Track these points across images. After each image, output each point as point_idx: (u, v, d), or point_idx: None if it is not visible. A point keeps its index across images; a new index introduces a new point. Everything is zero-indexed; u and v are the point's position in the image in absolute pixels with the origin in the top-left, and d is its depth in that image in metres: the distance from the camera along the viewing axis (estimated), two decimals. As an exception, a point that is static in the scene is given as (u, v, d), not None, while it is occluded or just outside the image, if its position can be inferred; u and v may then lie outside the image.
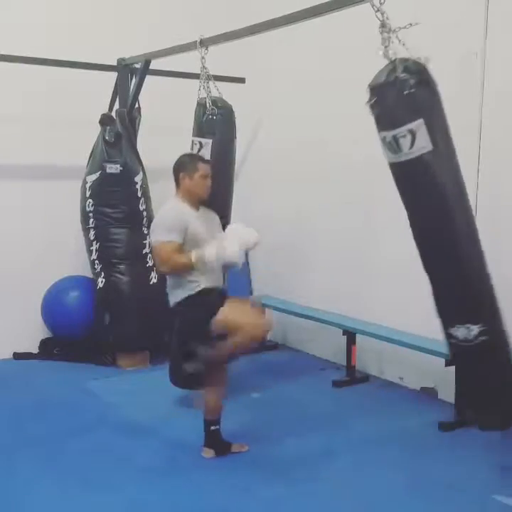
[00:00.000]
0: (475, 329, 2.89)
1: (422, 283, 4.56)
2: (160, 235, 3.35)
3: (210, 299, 3.37)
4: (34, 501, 3.15)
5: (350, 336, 4.83)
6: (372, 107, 2.82)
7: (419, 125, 2.74)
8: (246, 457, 3.55)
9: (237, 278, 5.86)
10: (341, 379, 4.88)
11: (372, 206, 4.88)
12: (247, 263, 6.27)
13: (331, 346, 5.32)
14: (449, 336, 2.97)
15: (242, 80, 5.77)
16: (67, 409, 4.33)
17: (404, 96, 2.74)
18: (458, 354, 3.02)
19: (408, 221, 3.05)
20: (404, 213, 4.61)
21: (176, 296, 3.43)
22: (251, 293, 6.20)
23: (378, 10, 2.74)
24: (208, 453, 3.54)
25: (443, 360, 4.08)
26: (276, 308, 5.62)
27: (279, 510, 3.10)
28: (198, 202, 3.51)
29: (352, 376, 4.88)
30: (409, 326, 4.48)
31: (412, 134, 2.74)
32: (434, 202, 2.95)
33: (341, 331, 4.86)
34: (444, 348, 4.11)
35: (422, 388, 4.65)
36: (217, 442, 3.55)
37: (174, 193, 3.54)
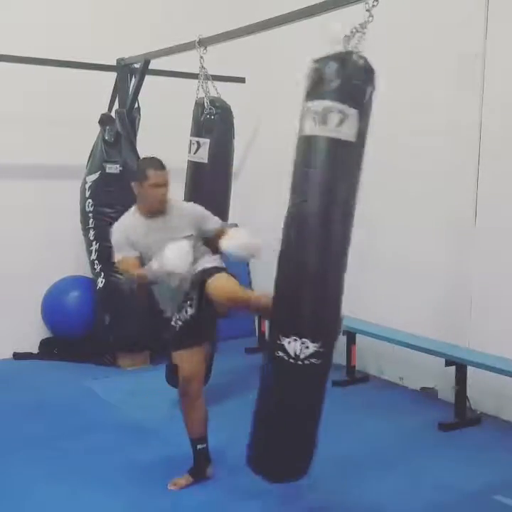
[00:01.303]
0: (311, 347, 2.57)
1: (422, 283, 4.58)
2: (116, 251, 3.19)
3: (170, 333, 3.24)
4: (34, 501, 3.14)
5: (350, 336, 4.83)
6: (321, 70, 2.73)
7: (354, 114, 2.62)
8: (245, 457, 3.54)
9: (237, 278, 5.87)
10: (341, 379, 4.88)
11: (372, 206, 4.86)
12: (247, 263, 6.27)
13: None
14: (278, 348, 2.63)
15: (242, 80, 5.77)
16: (67, 409, 4.33)
17: (353, 82, 2.62)
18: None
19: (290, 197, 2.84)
20: (404, 213, 4.64)
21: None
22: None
23: (368, 10, 2.72)
24: (178, 484, 3.26)
25: (443, 360, 4.08)
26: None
27: (279, 510, 3.10)
28: (155, 212, 3.19)
29: (352, 376, 4.88)
30: (409, 326, 4.48)
31: (344, 115, 2.62)
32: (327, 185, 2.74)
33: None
34: (444, 348, 4.15)
35: (422, 388, 4.65)
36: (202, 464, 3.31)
37: None
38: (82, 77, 5.20)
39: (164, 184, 3.17)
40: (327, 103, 2.60)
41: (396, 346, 4.52)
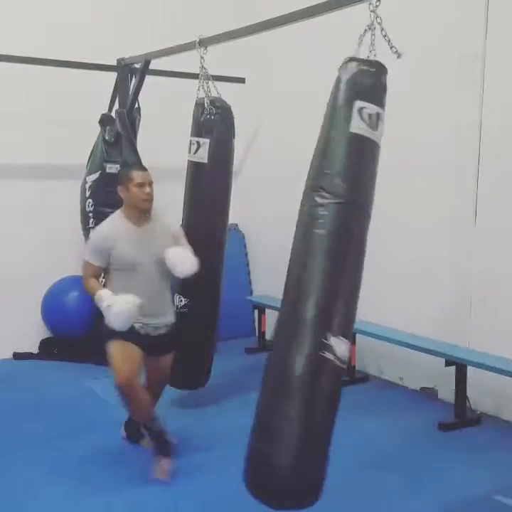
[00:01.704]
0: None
1: (422, 283, 4.58)
2: (86, 252, 3.37)
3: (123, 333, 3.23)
4: (34, 501, 3.15)
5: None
6: (358, 74, 2.75)
7: (382, 115, 2.69)
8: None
9: (237, 278, 5.88)
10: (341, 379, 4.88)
11: (372, 206, 4.87)
12: (247, 263, 6.28)
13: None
14: None
15: (242, 80, 5.77)
16: (67, 409, 4.34)
17: (382, 83, 2.69)
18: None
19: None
20: (404, 213, 4.64)
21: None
22: (251, 293, 6.21)
23: (373, 11, 2.72)
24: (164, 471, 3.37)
25: (443, 360, 4.08)
26: (276, 309, 5.61)
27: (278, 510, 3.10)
28: (142, 215, 3.34)
29: (352, 376, 4.88)
30: (409, 325, 4.49)
31: (380, 118, 2.69)
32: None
33: (341, 331, 4.86)
34: (444, 348, 4.15)
35: (422, 388, 4.65)
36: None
37: None
38: (82, 77, 5.20)
39: (149, 183, 3.32)
40: (379, 109, 2.68)
41: (396, 346, 4.52)
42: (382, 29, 2.76)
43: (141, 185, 3.28)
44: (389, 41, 2.78)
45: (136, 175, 3.30)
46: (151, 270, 3.29)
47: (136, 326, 3.25)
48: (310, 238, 2.75)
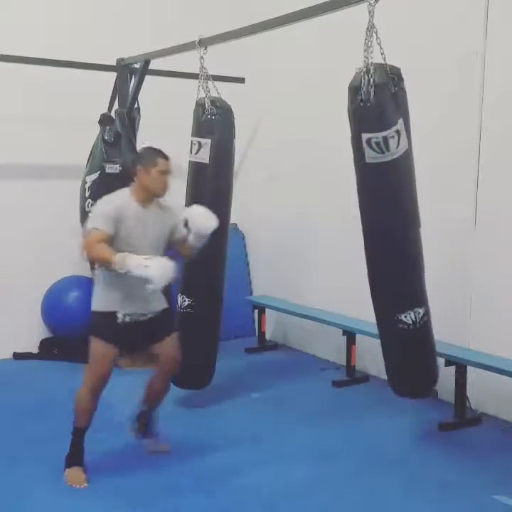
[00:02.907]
0: (421, 312, 3.41)
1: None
2: (92, 221, 3.19)
3: (108, 327, 3.30)
4: (34, 501, 3.15)
5: (350, 336, 4.84)
6: (356, 108, 2.87)
7: (401, 125, 2.85)
8: (245, 457, 3.55)
9: (237, 278, 5.87)
10: (341, 379, 4.88)
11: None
12: (247, 263, 6.28)
13: (331, 346, 5.32)
14: (399, 322, 3.36)
15: (241, 80, 5.77)
16: (67, 409, 4.31)
17: (390, 96, 2.83)
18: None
19: (365, 219, 3.29)
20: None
21: (93, 302, 3.37)
22: (251, 293, 6.21)
23: (370, 12, 2.74)
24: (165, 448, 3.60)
25: (443, 360, 4.08)
26: (276, 309, 5.63)
27: (279, 509, 3.10)
28: (151, 199, 3.30)
29: (352, 376, 4.88)
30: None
31: (398, 134, 2.83)
32: (404, 198, 3.18)
33: (341, 331, 4.86)
34: (444, 348, 4.14)
35: (421, 388, 4.64)
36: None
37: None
38: (82, 77, 5.19)
39: (169, 172, 3.30)
40: (383, 133, 2.92)
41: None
42: (376, 33, 2.78)
43: (164, 173, 3.27)
44: (381, 49, 2.83)
45: (162, 162, 3.26)
46: (146, 253, 3.14)
47: (121, 315, 3.25)
48: None
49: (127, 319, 3.28)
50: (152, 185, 3.26)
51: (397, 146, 2.89)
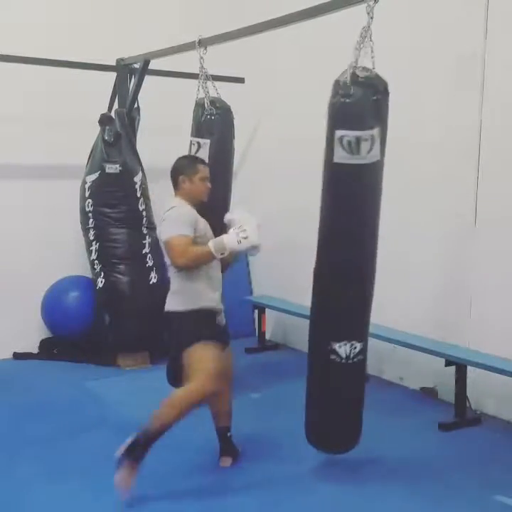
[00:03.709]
0: (358, 347, 3.10)
1: (421, 283, 4.58)
2: (173, 229, 3.11)
3: (204, 324, 3.19)
4: (34, 501, 3.14)
5: (350, 335, 4.83)
6: (335, 102, 2.84)
7: (377, 134, 2.82)
8: (246, 457, 3.54)
9: (237, 278, 5.87)
10: (341, 379, 4.87)
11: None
12: (247, 263, 6.28)
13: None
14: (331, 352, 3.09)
15: (241, 80, 5.77)
16: (67, 409, 4.33)
17: (371, 100, 2.79)
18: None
19: (322, 221, 3.11)
20: (405, 214, 4.64)
21: (175, 303, 3.23)
22: (251, 293, 6.21)
23: (369, 13, 2.74)
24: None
25: (443, 360, 4.08)
26: (276, 309, 5.62)
27: (279, 510, 3.10)
28: (197, 205, 3.35)
29: (352, 376, 4.87)
30: (409, 326, 4.48)
31: (372, 140, 2.79)
32: (365, 207, 3.02)
33: (341, 330, 4.86)
34: (444, 348, 4.15)
35: (421, 388, 4.65)
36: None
37: (173, 195, 3.35)
38: (82, 77, 5.20)
39: (207, 179, 3.35)
40: (358, 133, 2.83)
41: (396, 346, 4.52)
42: (370, 35, 2.77)
43: (205, 179, 3.33)
44: (372, 53, 2.82)
45: (202, 169, 3.34)
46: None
47: (218, 318, 3.27)
48: None
49: (221, 323, 3.31)
50: (197, 192, 3.32)
51: (369, 152, 2.82)
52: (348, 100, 2.80)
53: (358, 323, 3.14)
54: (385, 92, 2.87)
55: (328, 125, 2.91)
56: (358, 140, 2.78)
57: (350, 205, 2.98)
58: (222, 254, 3.03)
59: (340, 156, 2.86)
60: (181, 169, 3.33)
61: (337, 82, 2.82)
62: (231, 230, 3.05)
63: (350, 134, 2.81)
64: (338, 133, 2.83)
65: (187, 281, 3.18)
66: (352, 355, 3.06)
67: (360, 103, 2.78)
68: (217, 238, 3.06)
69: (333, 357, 3.08)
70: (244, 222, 3.06)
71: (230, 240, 3.01)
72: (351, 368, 3.12)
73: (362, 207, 2.99)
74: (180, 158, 3.44)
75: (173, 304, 3.24)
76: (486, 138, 4.13)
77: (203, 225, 3.26)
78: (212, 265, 3.21)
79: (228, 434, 3.50)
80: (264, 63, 5.77)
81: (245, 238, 2.99)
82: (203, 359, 3.10)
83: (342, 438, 3.32)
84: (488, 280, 4.19)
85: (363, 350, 3.12)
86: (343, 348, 3.04)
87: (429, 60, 4.36)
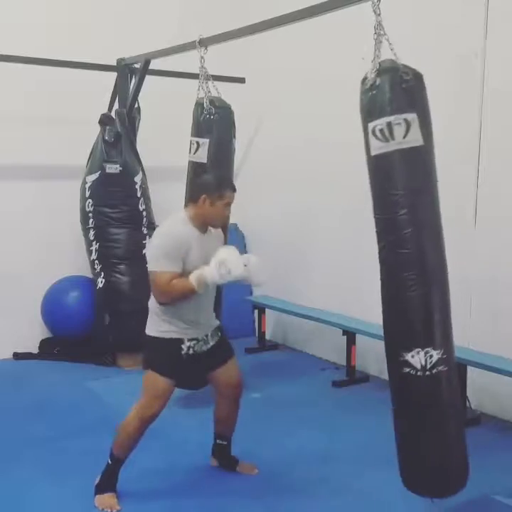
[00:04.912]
0: (434, 356, 2.63)
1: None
2: (156, 263, 2.93)
3: (163, 355, 3.06)
4: (34, 501, 3.15)
5: (350, 336, 4.84)
6: (363, 98, 2.82)
7: (414, 119, 2.74)
8: (245, 457, 3.54)
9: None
10: (341, 379, 4.88)
11: (372, 206, 4.87)
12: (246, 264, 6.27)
13: (331, 346, 5.32)
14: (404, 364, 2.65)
15: (242, 80, 5.77)
16: (67, 409, 4.34)
17: (399, 86, 2.73)
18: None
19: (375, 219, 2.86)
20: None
21: (148, 324, 3.11)
22: (251, 293, 6.21)
23: (375, 11, 2.73)
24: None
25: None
26: (276, 309, 5.63)
27: (281, 508, 3.10)
28: (207, 227, 3.10)
29: (352, 376, 4.88)
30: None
31: (408, 124, 2.72)
32: (420, 194, 2.72)
33: (341, 331, 4.86)
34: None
35: (422, 388, 4.64)
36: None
37: (183, 207, 3.20)
38: (82, 77, 5.20)
39: (232, 203, 3.12)
40: (389, 118, 2.70)
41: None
42: (383, 31, 2.76)
43: (228, 205, 3.07)
44: (390, 44, 2.79)
45: (230, 196, 3.05)
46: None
47: (187, 346, 3.05)
48: None
49: (191, 351, 3.08)
50: (213, 218, 3.05)
51: (405, 136, 2.66)
52: (374, 92, 2.71)
53: (429, 326, 2.65)
54: (416, 79, 2.81)
55: (362, 125, 2.83)
56: (390, 125, 2.67)
57: (391, 195, 2.71)
58: (204, 289, 2.91)
59: (376, 146, 2.71)
60: (207, 188, 3.04)
61: (364, 79, 2.80)
62: (212, 264, 2.87)
63: (380, 122, 2.69)
64: (371, 125, 2.72)
65: (163, 309, 3.03)
66: (428, 366, 2.61)
67: (387, 91, 2.73)
68: (198, 274, 2.88)
69: (406, 369, 2.64)
70: (227, 257, 2.87)
71: (212, 276, 2.86)
72: (430, 380, 2.64)
73: (415, 195, 2.68)
74: (210, 176, 3.23)
75: (147, 324, 3.13)
76: (486, 138, 4.13)
77: (198, 250, 2.98)
78: None
79: (223, 443, 3.45)
80: (265, 63, 5.77)
81: (228, 273, 2.84)
82: (148, 386, 3.07)
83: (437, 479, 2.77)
84: (488, 280, 4.19)
85: (444, 361, 2.63)
86: (416, 358, 2.62)
87: (429, 60, 4.34)
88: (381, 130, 2.71)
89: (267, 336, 5.95)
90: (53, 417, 4.18)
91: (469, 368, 4.03)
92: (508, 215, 4.03)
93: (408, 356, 2.62)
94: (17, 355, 5.44)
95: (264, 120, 5.92)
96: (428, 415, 2.67)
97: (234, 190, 3.10)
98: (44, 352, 5.49)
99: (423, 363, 2.61)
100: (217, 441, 3.47)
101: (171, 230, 3.02)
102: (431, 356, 2.61)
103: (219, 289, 3.47)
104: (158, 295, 2.99)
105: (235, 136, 4.10)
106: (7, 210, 5.34)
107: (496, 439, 3.87)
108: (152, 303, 3.08)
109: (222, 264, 2.84)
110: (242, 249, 6.23)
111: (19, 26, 5.20)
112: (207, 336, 3.14)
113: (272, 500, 3.16)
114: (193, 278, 2.88)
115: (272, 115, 5.81)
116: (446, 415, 2.68)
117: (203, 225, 3.06)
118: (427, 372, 2.61)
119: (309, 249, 5.58)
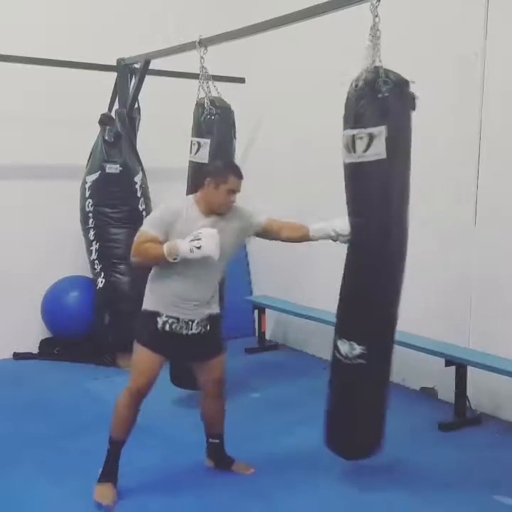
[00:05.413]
0: (357, 349, 3.04)
1: (422, 283, 4.58)
2: (142, 226, 3.03)
3: (144, 327, 3.09)
4: (33, 501, 3.15)
5: (350, 335, 4.83)
6: (347, 100, 2.86)
7: (380, 133, 2.77)
8: (245, 457, 3.54)
9: (237, 278, 5.87)
10: (341, 379, 4.88)
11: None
12: (247, 263, 6.28)
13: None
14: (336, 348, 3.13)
15: (242, 80, 5.77)
16: (67, 409, 4.33)
17: (374, 97, 2.75)
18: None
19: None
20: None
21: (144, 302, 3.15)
22: (251, 293, 6.21)
23: (373, 12, 2.73)
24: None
25: (443, 360, 4.08)
26: (276, 309, 5.63)
27: (278, 510, 3.10)
28: (212, 212, 3.09)
29: (352, 376, 4.88)
30: (409, 326, 4.48)
31: (370, 138, 2.77)
32: (373, 207, 3.00)
33: (341, 331, 4.86)
34: (444, 348, 4.15)
35: (422, 388, 4.65)
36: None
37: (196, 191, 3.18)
38: (82, 77, 5.20)
39: (237, 192, 3.11)
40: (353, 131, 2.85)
41: (396, 346, 4.51)
42: (379, 34, 2.77)
43: (232, 192, 3.06)
44: (377, 51, 2.80)
45: (234, 181, 3.05)
46: (202, 262, 2.97)
47: (162, 321, 3.04)
48: None
49: (167, 327, 3.05)
50: (216, 202, 3.06)
51: (365, 151, 2.76)
52: (348, 102, 2.82)
53: (358, 322, 3.11)
54: (397, 89, 2.77)
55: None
56: (353, 138, 2.79)
57: (359, 205, 3.04)
58: (174, 259, 2.91)
59: (344, 155, 2.91)
60: (212, 171, 3.11)
61: (350, 84, 2.83)
62: (187, 238, 2.90)
63: (347, 133, 2.84)
64: (343, 133, 2.88)
65: (153, 281, 3.10)
66: (350, 356, 3.04)
67: (358, 101, 2.77)
68: (172, 242, 2.92)
69: (337, 355, 3.13)
70: (204, 234, 2.89)
71: (183, 247, 2.89)
72: (352, 369, 3.08)
73: (370, 206, 2.98)
74: (217, 160, 3.26)
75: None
76: (486, 138, 4.13)
77: (185, 227, 2.97)
78: (190, 264, 2.95)
79: (214, 441, 3.44)
80: (265, 63, 5.77)
81: (198, 248, 2.86)
82: (134, 359, 3.14)
83: (350, 442, 3.28)
84: (488, 280, 4.19)
85: (364, 356, 3.03)
86: (343, 347, 3.08)
87: (429, 60, 4.36)
88: (346, 141, 2.83)
89: (267, 336, 5.95)
90: (53, 416, 4.18)
91: (469, 368, 4.03)
92: (508, 215, 4.03)
93: (339, 342, 3.10)
94: (17, 355, 5.44)
95: (264, 120, 5.92)
96: (344, 394, 3.22)
97: (239, 177, 3.09)
98: (44, 352, 5.49)
99: (346, 352, 3.07)
100: (210, 440, 3.46)
101: (168, 203, 3.10)
102: (354, 349, 3.04)
103: (222, 281, 3.46)
104: (132, 254, 3.03)
105: (235, 137, 4.10)
106: (7, 210, 5.34)
107: (496, 439, 3.87)
108: (149, 278, 3.15)
109: (197, 239, 2.88)
110: (242, 248, 6.23)
111: (19, 26, 5.20)
112: (191, 321, 3.07)
113: (271, 500, 3.16)
114: (165, 245, 2.92)
115: (272, 115, 5.81)
116: (359, 399, 3.18)
117: (208, 209, 3.07)
118: (348, 361, 3.06)
119: (309, 249, 5.55)
